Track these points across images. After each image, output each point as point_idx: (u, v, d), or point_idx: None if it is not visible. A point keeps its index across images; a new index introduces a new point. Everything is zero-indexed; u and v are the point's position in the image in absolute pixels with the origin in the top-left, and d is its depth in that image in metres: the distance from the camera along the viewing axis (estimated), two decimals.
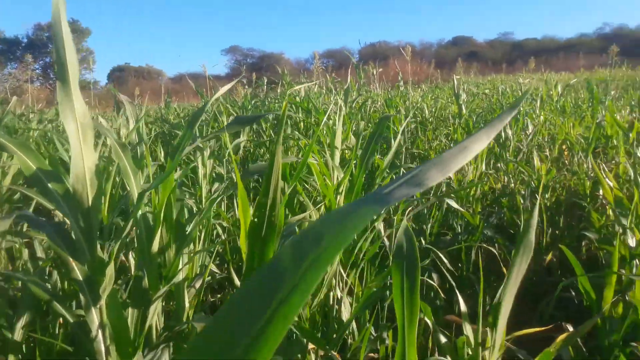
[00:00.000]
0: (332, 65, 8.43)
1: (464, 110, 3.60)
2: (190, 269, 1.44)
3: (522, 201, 2.54)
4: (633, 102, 6.83)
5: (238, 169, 2.36)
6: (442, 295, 1.88)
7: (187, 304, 1.33)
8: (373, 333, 1.34)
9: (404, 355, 0.69)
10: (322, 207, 1.48)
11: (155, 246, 1.22)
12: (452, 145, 3.42)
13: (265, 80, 6.24)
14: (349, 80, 3.62)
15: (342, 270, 1.33)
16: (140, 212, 1.21)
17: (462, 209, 1.60)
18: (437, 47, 55.65)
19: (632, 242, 1.80)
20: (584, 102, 6.14)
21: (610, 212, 2.10)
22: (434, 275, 1.92)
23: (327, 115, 2.37)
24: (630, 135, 3.17)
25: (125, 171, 1.25)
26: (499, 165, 3.59)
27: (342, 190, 1.30)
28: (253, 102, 4.18)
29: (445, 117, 5.23)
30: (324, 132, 2.58)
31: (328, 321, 1.33)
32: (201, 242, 1.62)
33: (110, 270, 1.06)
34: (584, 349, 1.54)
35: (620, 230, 1.74)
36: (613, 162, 3.54)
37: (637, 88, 9.61)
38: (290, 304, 0.31)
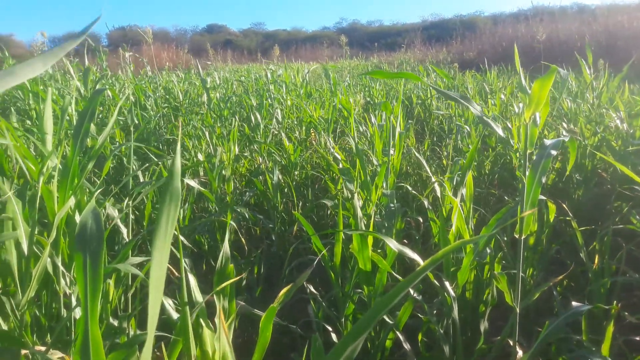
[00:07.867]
0: (75, 50, 7.54)
1: (213, 96, 3.65)
2: None
3: (271, 177, 2.71)
4: (366, 88, 7.92)
5: None
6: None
7: None
8: (115, 325, 1.27)
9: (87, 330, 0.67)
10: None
11: None
12: (204, 129, 3.44)
13: None
14: (86, 64, 3.33)
15: (63, 270, 1.22)
16: None
17: (205, 190, 1.63)
18: (192, 34, 55.14)
19: (359, 203, 2.08)
20: (325, 88, 6.84)
21: (341, 180, 2.39)
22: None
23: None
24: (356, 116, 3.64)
25: None
26: (253, 147, 3.75)
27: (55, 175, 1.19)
28: None
29: (200, 102, 5.23)
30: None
31: (59, 319, 1.21)
32: None
33: None
34: (323, 303, 1.74)
35: (348, 195, 2.00)
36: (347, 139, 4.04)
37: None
38: None
